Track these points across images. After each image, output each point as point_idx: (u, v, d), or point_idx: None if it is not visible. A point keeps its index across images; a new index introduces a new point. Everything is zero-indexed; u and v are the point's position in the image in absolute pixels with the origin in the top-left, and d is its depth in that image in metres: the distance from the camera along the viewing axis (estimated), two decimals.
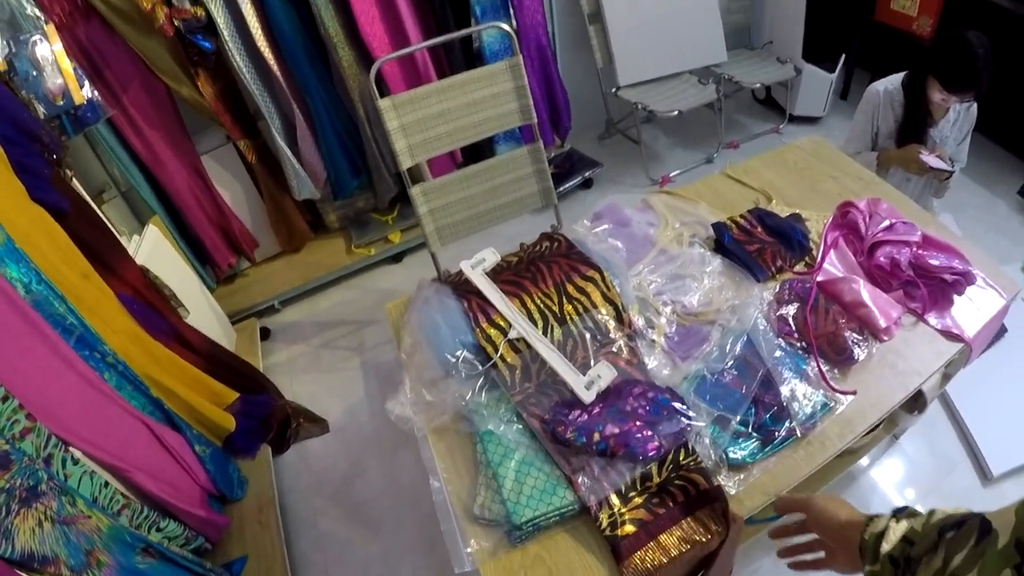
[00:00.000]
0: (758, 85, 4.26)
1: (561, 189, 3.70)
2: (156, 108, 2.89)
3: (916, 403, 2.17)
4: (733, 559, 1.56)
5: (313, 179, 3.23)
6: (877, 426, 2.12)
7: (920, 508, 0.91)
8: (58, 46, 2.32)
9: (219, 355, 2.29)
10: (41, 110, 2.22)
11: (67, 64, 2.31)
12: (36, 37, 2.28)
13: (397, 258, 3.65)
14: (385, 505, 2.65)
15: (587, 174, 3.92)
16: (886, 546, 0.88)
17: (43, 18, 2.35)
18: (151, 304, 2.15)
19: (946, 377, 2.22)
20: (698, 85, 4.02)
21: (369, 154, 3.34)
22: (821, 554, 1.12)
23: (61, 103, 2.28)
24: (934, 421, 2.82)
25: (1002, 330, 2.99)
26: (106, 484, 1.57)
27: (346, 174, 3.35)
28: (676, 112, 3.78)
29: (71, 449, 1.49)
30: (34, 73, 2.24)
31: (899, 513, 0.92)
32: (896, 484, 2.65)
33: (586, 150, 4.09)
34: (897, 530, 0.89)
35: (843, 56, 4.35)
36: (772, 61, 4.37)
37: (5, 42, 2.23)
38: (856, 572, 1.01)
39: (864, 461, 2.68)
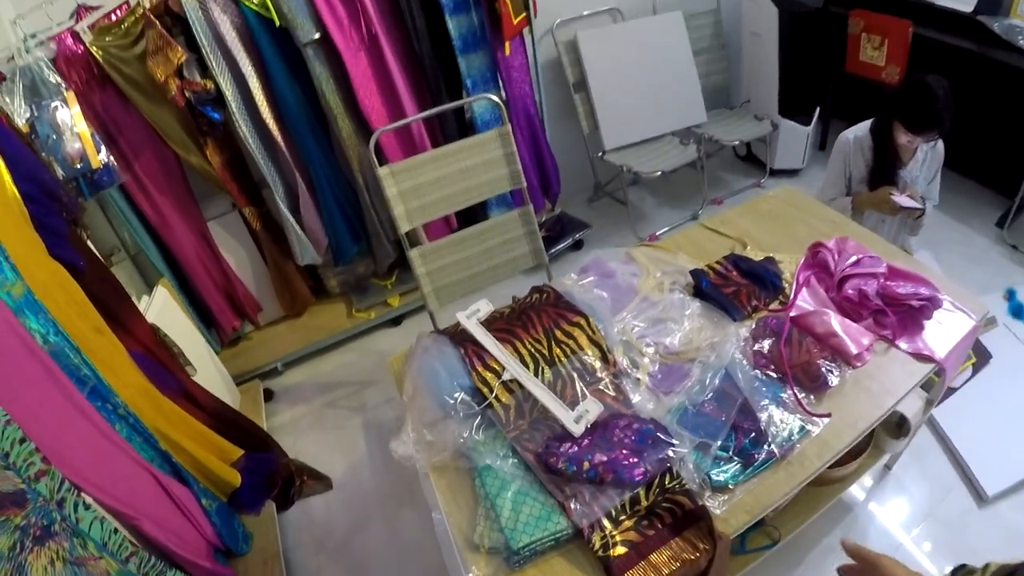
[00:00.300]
0: (737, 142, 4.43)
1: (553, 251, 3.81)
2: (166, 175, 3.00)
3: (900, 429, 2.31)
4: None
5: (315, 245, 3.33)
6: (863, 451, 2.24)
7: (974, 563, 0.92)
8: (77, 111, 2.44)
9: (225, 413, 2.36)
10: (60, 172, 2.34)
11: (85, 129, 2.42)
12: (57, 103, 2.41)
13: (396, 321, 3.74)
14: (387, 561, 2.70)
15: (577, 236, 4.03)
16: None
17: (63, 84, 2.48)
18: (160, 361, 2.22)
19: (929, 403, 2.37)
20: (680, 146, 4.17)
21: (368, 221, 3.44)
22: None
23: (79, 166, 2.40)
24: (926, 449, 2.89)
25: (987, 356, 3.12)
26: (115, 531, 1.59)
27: (347, 240, 3.45)
28: (659, 172, 3.91)
29: (83, 494, 1.52)
30: (54, 136, 2.36)
31: (957, 571, 0.93)
32: (893, 512, 2.70)
33: (576, 213, 4.21)
34: None
35: (818, 109, 4.51)
36: (750, 119, 4.54)
37: (28, 106, 2.37)
38: None
39: (859, 493, 2.76)
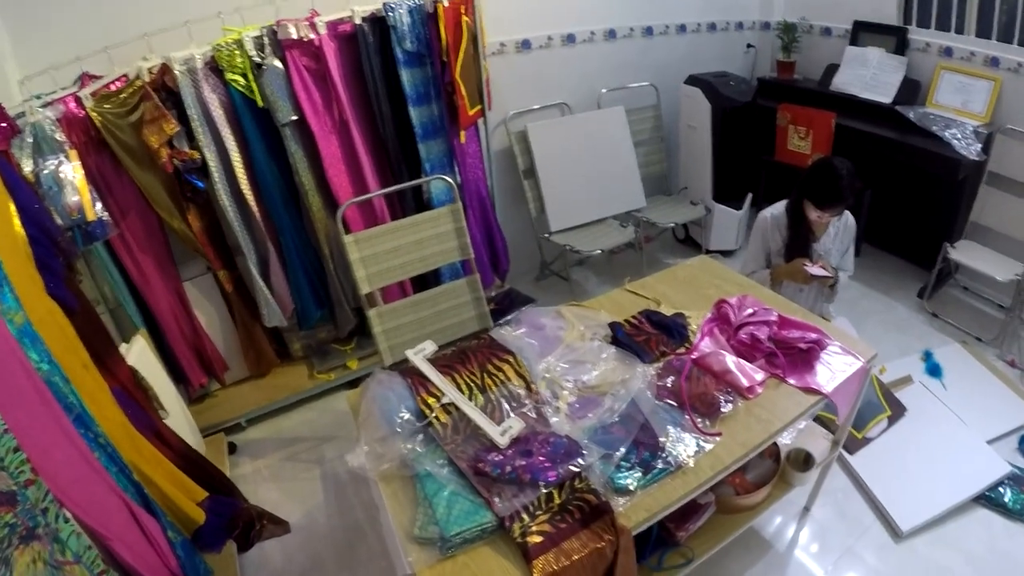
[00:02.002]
0: (672, 225, 4.75)
1: (500, 323, 4.04)
2: (149, 236, 3.14)
3: (806, 464, 2.61)
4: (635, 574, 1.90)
5: (282, 309, 3.51)
6: (770, 480, 2.50)
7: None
8: (78, 167, 2.62)
9: (192, 456, 2.45)
10: (59, 220, 2.50)
11: (84, 184, 2.60)
12: (61, 158, 2.59)
13: (354, 383, 3.83)
14: None
15: (523, 310, 4.20)
16: None
17: (67, 142, 2.66)
18: (137, 400, 2.32)
19: (835, 443, 2.67)
20: (620, 228, 4.46)
21: (332, 289, 3.65)
22: None
23: (76, 217, 2.56)
24: (844, 493, 3.13)
25: (902, 410, 3.39)
26: (89, 547, 1.62)
27: (311, 306, 3.65)
28: (599, 251, 4.21)
29: (64, 509, 1.56)
30: (56, 188, 2.54)
31: None
32: (812, 548, 2.91)
33: (523, 289, 4.40)
34: None
35: (750, 195, 4.84)
36: (686, 204, 4.86)
37: (34, 159, 2.55)
38: None
39: (780, 530, 2.99)
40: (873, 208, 4.74)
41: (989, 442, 3.31)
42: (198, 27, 2.99)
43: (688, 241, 5.42)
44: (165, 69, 2.89)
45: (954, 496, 3.01)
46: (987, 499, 3.03)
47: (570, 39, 4.49)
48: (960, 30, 4.38)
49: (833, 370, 2.33)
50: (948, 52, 4.44)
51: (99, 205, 2.68)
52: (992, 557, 2.81)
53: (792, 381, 2.28)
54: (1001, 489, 3.04)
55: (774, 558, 2.87)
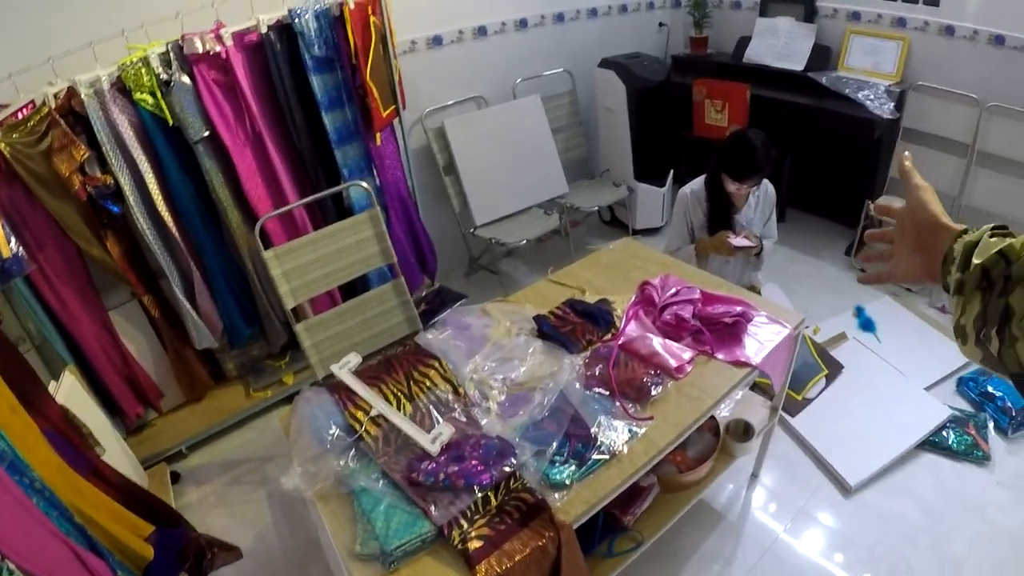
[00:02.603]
0: (596, 208, 4.83)
1: (432, 322, 4.02)
2: (68, 266, 3.05)
3: (747, 434, 2.64)
4: (583, 565, 1.90)
5: (211, 329, 3.44)
6: (711, 454, 2.53)
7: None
8: None
9: (134, 490, 2.38)
10: None
11: None
12: None
13: (292, 399, 3.64)
14: None
15: (455, 307, 4.16)
16: (979, 258, 0.83)
17: None
18: (71, 441, 2.27)
19: (774, 410, 2.72)
20: (544, 216, 4.48)
21: (259, 304, 3.60)
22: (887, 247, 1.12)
23: None
24: (790, 457, 3.21)
25: (839, 368, 3.48)
26: None
27: (240, 324, 3.59)
28: (524, 241, 4.23)
29: (6, 561, 1.54)
30: None
31: (996, 230, 0.87)
32: (765, 513, 2.98)
33: (454, 286, 4.41)
34: (994, 245, 0.82)
35: (671, 171, 4.91)
36: (608, 186, 4.90)
37: None
38: (921, 278, 1.02)
39: (732, 501, 3.05)
40: (794, 173, 4.83)
41: (927, 388, 3.43)
42: (103, 47, 2.89)
43: (615, 222, 5.48)
44: (71, 93, 2.81)
45: (899, 445, 3.10)
46: (931, 444, 3.12)
47: (481, 32, 4.48)
48: None
49: (761, 340, 2.36)
50: (856, 16, 4.56)
51: (13, 240, 2.59)
52: (942, 499, 2.91)
53: (720, 356, 2.31)
54: (944, 433, 3.14)
55: (728, 528, 2.92)
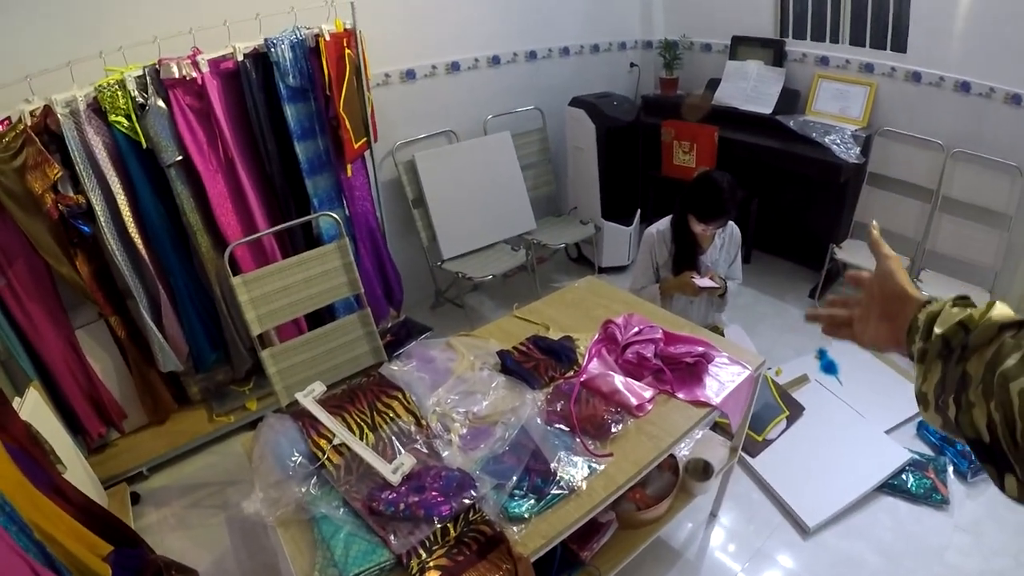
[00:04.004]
0: (562, 245, 4.83)
1: (397, 353, 4.01)
2: (37, 283, 3.05)
3: (706, 472, 2.68)
4: None
5: (176, 353, 3.44)
6: (669, 494, 2.56)
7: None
8: None
9: (93, 509, 2.39)
10: None
11: None
12: None
13: (255, 424, 3.60)
14: None
15: (418, 339, 4.14)
16: (940, 328, 0.85)
17: None
18: (33, 457, 2.27)
19: (733, 450, 2.75)
20: (511, 252, 4.52)
21: (226, 329, 3.59)
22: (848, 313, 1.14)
23: None
24: (749, 495, 3.22)
25: (800, 409, 3.52)
26: None
27: (206, 348, 3.59)
28: (491, 276, 4.24)
29: None
30: None
31: (958, 300, 0.89)
32: (722, 552, 2.99)
33: (420, 318, 4.42)
34: (955, 316, 0.85)
35: (638, 211, 4.99)
36: (576, 224, 4.95)
37: None
38: (886, 346, 1.04)
39: (690, 539, 3.05)
40: (760, 215, 4.91)
41: (888, 431, 3.48)
42: (81, 68, 2.90)
43: (581, 259, 5.53)
44: (47, 111, 2.82)
45: (858, 488, 3.13)
46: (891, 487, 3.17)
47: (455, 67, 4.54)
48: (835, 39, 4.60)
49: (721, 381, 2.41)
50: (824, 61, 4.67)
51: None
52: (900, 542, 2.95)
53: (681, 395, 2.35)
54: (904, 476, 3.18)
55: (685, 566, 2.93)
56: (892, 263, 1.03)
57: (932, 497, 3.09)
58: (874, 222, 1.13)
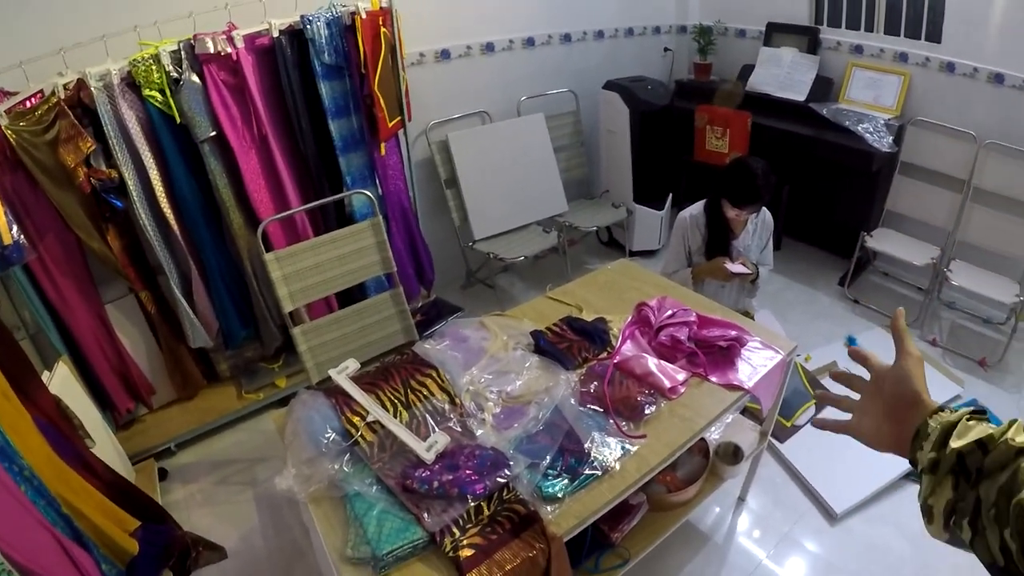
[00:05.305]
0: (595, 228, 4.83)
1: (427, 333, 4.00)
2: (68, 257, 3.05)
3: (735, 456, 2.66)
4: None
5: (207, 329, 3.45)
6: (699, 477, 2.54)
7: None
8: None
9: (121, 484, 2.37)
10: None
11: None
12: None
13: (284, 402, 3.63)
14: None
15: (450, 319, 4.18)
16: (957, 442, 0.81)
17: None
18: (62, 431, 2.26)
19: (763, 434, 2.73)
20: (543, 234, 4.51)
21: (256, 306, 3.60)
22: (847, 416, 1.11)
23: None
24: (778, 482, 3.21)
25: None
26: None
27: (236, 325, 3.60)
28: (522, 257, 4.24)
29: None
30: None
31: (973, 415, 0.85)
32: (749, 536, 2.98)
33: (450, 298, 4.45)
34: (973, 431, 0.82)
35: (670, 195, 4.95)
36: (607, 207, 4.93)
37: None
38: (886, 448, 1.00)
39: (717, 523, 3.05)
40: (791, 202, 4.87)
41: None
42: (115, 42, 2.91)
43: (612, 243, 5.51)
44: (81, 85, 2.81)
45: (885, 475, 3.11)
46: (917, 475, 3.09)
47: (489, 48, 4.52)
48: (870, 28, 4.54)
49: (754, 365, 2.39)
50: (859, 50, 4.61)
51: (15, 228, 2.58)
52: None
53: (714, 379, 2.33)
54: None
55: (713, 550, 2.93)
56: (913, 365, 0.99)
57: None
58: (900, 309, 1.07)
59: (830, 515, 3.00)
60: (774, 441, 3.29)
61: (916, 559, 2.82)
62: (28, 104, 2.78)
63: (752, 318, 3.43)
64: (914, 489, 2.82)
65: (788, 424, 3.38)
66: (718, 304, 2.79)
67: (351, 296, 3.41)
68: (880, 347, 3.82)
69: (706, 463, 2.63)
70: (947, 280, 3.99)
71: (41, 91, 2.81)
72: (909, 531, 2.91)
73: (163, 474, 3.44)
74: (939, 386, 3.65)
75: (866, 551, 2.86)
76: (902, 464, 2.96)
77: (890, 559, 2.83)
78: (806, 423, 3.42)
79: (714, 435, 2.75)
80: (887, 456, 2.67)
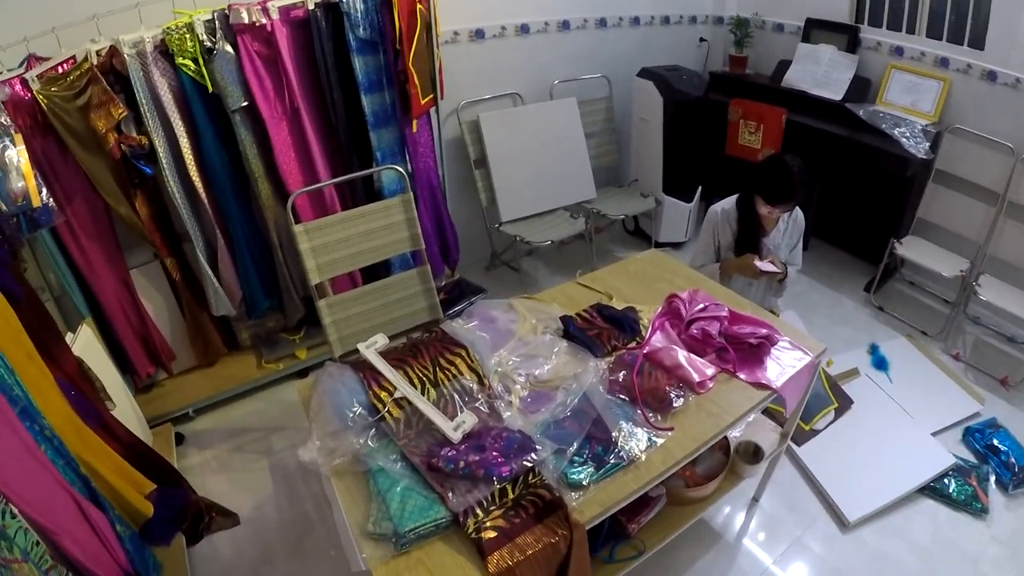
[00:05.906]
0: (622, 217, 4.82)
1: (449, 312, 3.95)
2: (95, 222, 3.07)
3: (756, 456, 2.64)
4: (589, 568, 1.92)
5: (230, 297, 3.46)
6: (718, 474, 2.52)
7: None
8: (23, 151, 2.50)
9: (138, 447, 2.38)
10: (2, 206, 2.39)
11: (29, 170, 2.50)
12: (6, 142, 2.48)
13: (303, 373, 3.83)
14: None
15: (473, 300, 4.17)
16: None
17: (12, 126, 2.55)
18: (83, 392, 2.26)
19: (784, 436, 2.71)
20: (570, 219, 4.49)
21: (280, 277, 3.61)
22: None
23: (21, 203, 2.44)
24: (792, 485, 3.19)
25: (849, 402, 3.46)
26: (37, 543, 1.58)
27: (259, 294, 3.61)
28: (549, 242, 4.25)
29: (10, 504, 1.51)
30: (0, 174, 2.42)
31: None
32: (760, 539, 2.96)
33: (474, 279, 4.45)
34: None
35: (699, 188, 4.91)
36: (636, 196, 4.89)
37: None
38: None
39: (729, 522, 3.04)
40: (822, 203, 4.82)
41: (934, 434, 3.40)
42: (149, 10, 2.91)
43: (638, 233, 5.47)
44: (114, 52, 2.81)
45: (900, 487, 3.08)
46: (932, 490, 3.11)
47: (524, 29, 4.48)
48: (911, 30, 4.47)
49: (783, 365, 2.37)
50: (899, 51, 4.53)
51: (45, 191, 2.57)
52: (937, 546, 2.89)
53: (742, 376, 2.32)
54: (946, 480, 3.11)
55: (723, 548, 2.92)
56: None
57: (972, 505, 3.03)
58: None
59: (842, 522, 2.98)
60: (792, 445, 3.27)
61: (924, 575, 2.80)
62: (60, 69, 2.79)
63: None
64: (926, 505, 2.84)
65: (807, 428, 3.36)
66: (748, 300, 2.76)
67: (375, 272, 3.42)
68: (904, 357, 3.84)
69: (726, 460, 2.61)
70: (975, 294, 3.92)
71: (73, 57, 2.81)
72: (919, 546, 2.89)
73: (180, 439, 3.46)
74: (958, 402, 3.62)
75: (875, 562, 2.84)
76: (917, 478, 2.96)
77: (899, 572, 2.80)
78: (825, 428, 3.39)
79: (735, 433, 2.72)
80: (902, 469, 2.69)
